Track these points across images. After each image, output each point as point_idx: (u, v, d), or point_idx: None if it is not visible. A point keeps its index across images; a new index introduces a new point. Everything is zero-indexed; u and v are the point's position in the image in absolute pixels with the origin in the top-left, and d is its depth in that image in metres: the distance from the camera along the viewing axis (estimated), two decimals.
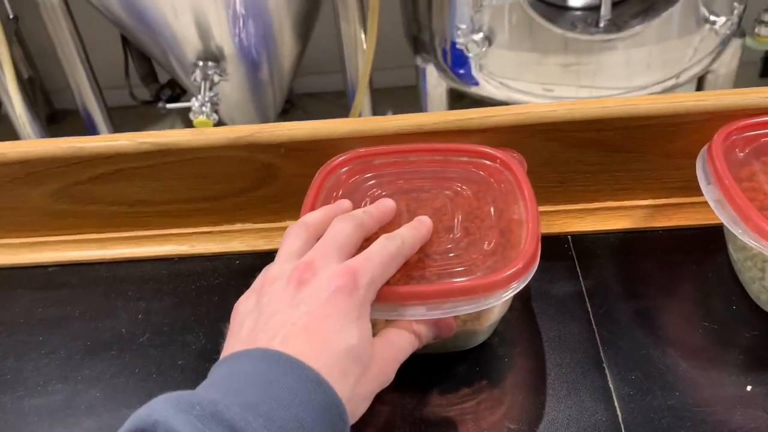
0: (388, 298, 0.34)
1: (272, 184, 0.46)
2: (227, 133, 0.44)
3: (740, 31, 1.11)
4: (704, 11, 1.00)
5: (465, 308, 0.34)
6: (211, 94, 1.12)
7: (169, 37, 1.10)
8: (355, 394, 0.30)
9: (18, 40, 1.44)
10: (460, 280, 0.35)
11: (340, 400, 0.29)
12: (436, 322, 0.35)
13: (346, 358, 0.30)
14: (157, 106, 1.30)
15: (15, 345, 0.43)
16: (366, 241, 0.35)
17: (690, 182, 0.41)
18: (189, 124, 1.15)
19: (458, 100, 1.22)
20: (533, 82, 1.06)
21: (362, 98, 1.20)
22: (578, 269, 0.44)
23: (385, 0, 1.08)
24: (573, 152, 0.45)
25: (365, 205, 0.39)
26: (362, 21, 1.15)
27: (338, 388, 0.29)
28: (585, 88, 1.05)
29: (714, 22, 1.01)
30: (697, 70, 1.08)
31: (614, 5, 0.98)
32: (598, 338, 0.40)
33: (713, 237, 0.44)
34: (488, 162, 0.42)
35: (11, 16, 1.24)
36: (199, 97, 1.11)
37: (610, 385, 0.37)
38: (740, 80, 1.17)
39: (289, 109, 1.52)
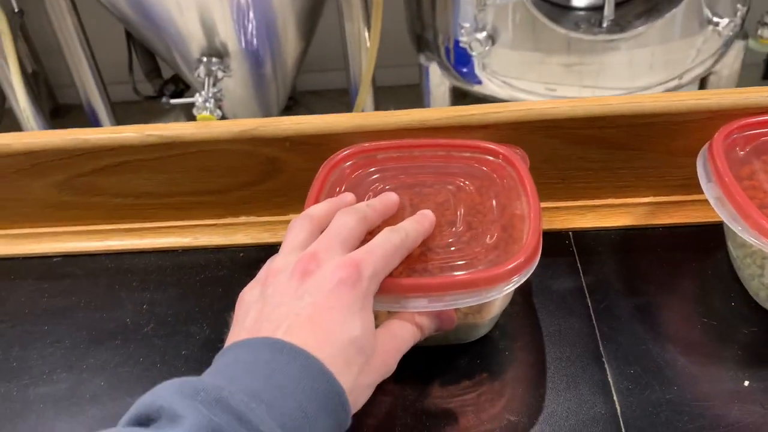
0: (390, 290, 0.34)
1: (276, 177, 0.47)
2: (232, 126, 0.45)
3: (743, 32, 1.11)
4: (707, 12, 1.01)
5: (467, 301, 0.34)
6: (215, 90, 1.12)
7: (173, 33, 1.10)
8: (358, 384, 0.31)
9: (23, 35, 1.45)
10: (462, 273, 0.35)
11: (343, 390, 0.29)
12: (438, 315, 0.35)
13: (349, 349, 0.30)
14: (160, 101, 1.30)
15: (20, 334, 0.44)
16: (369, 235, 0.36)
17: (691, 180, 0.42)
18: (192, 119, 1.15)
19: (461, 98, 1.23)
20: (536, 81, 1.06)
21: (365, 96, 1.20)
22: (579, 265, 0.44)
23: None
24: (575, 149, 0.45)
25: (368, 199, 0.39)
26: (366, 19, 1.16)
27: (341, 377, 0.30)
28: (588, 88, 1.05)
29: (717, 24, 1.01)
30: (699, 71, 1.09)
31: (617, 5, 0.98)
32: (597, 333, 0.40)
33: (713, 235, 0.45)
34: (491, 158, 0.42)
35: (16, 10, 1.24)
36: (203, 92, 1.11)
37: (609, 379, 0.38)
38: (743, 82, 1.17)
39: (292, 106, 1.52)
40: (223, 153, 0.46)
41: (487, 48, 1.03)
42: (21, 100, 1.17)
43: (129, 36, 1.25)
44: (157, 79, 1.33)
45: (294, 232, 0.36)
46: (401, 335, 0.34)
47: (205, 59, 1.13)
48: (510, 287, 0.35)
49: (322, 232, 0.35)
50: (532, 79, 1.06)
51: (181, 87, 1.32)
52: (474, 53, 1.04)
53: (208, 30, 1.09)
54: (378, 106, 1.28)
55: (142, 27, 1.13)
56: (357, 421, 0.31)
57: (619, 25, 0.99)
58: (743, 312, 0.41)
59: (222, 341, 0.32)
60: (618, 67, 1.03)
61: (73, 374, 0.41)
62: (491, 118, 0.43)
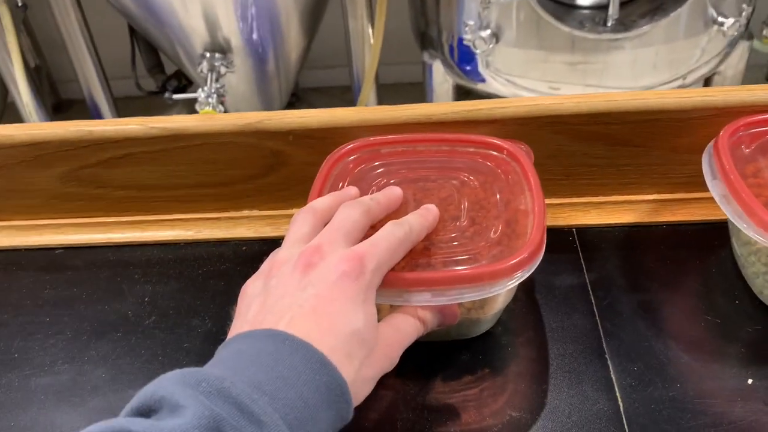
0: (394, 283, 0.34)
1: (280, 171, 0.47)
2: (236, 119, 0.44)
3: (748, 33, 1.11)
4: (712, 12, 1.00)
5: (470, 295, 0.34)
6: (218, 85, 1.12)
7: (176, 28, 1.10)
8: (360, 377, 0.31)
9: (26, 29, 1.45)
10: (465, 268, 0.35)
11: (345, 382, 0.29)
12: (441, 309, 0.35)
13: (351, 341, 0.30)
14: (163, 97, 1.30)
15: (22, 325, 0.43)
16: (372, 229, 0.36)
17: (695, 177, 0.41)
18: None
19: (464, 96, 1.23)
20: (539, 79, 1.06)
21: (368, 93, 1.20)
22: (582, 262, 0.44)
23: None
24: (579, 145, 0.45)
25: (372, 194, 0.39)
26: (370, 15, 1.15)
27: (343, 370, 0.29)
28: (591, 87, 1.05)
29: (722, 24, 1.01)
30: (704, 71, 1.08)
31: (622, 4, 0.98)
32: (600, 329, 0.40)
33: (717, 232, 0.45)
34: (495, 153, 0.42)
35: (20, 4, 1.24)
36: (206, 88, 1.11)
37: (612, 376, 0.38)
38: (747, 83, 1.16)
39: (295, 103, 1.52)
40: (227, 146, 0.45)
41: (490, 46, 1.02)
42: (24, 95, 1.17)
43: (132, 31, 1.25)
44: (159, 74, 1.33)
45: (297, 224, 0.35)
46: (404, 329, 0.34)
47: (208, 55, 1.13)
48: (513, 282, 0.34)
49: (325, 225, 0.35)
50: (536, 78, 1.06)
51: (184, 82, 1.32)
52: (478, 51, 1.04)
53: (212, 25, 1.09)
54: (381, 103, 1.28)
55: (145, 22, 1.13)
56: (358, 414, 0.31)
57: (624, 24, 0.99)
58: (747, 310, 0.41)
59: (224, 334, 0.32)
60: (622, 66, 1.03)
61: (74, 365, 0.41)
62: (496, 114, 0.43)
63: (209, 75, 1.12)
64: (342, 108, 0.44)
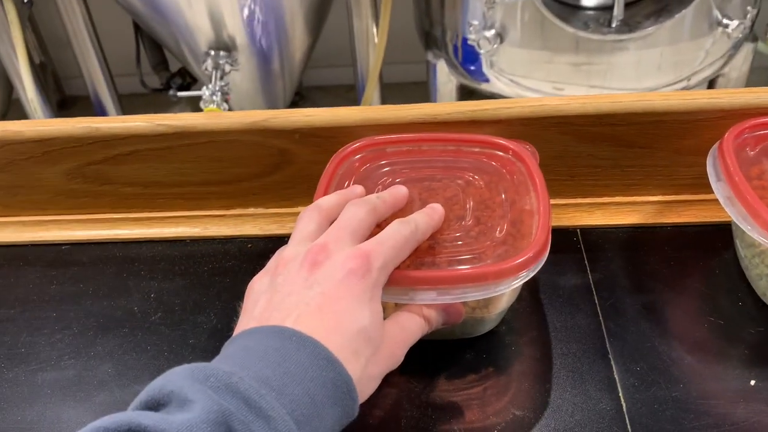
0: (399, 282, 0.34)
1: (286, 169, 0.47)
2: (242, 117, 0.45)
3: (752, 35, 1.11)
4: (717, 14, 1.00)
5: (475, 294, 0.34)
6: (222, 83, 1.12)
7: (181, 26, 1.10)
8: (365, 375, 0.31)
9: (31, 25, 1.45)
10: (470, 267, 0.35)
11: (351, 379, 0.29)
12: (446, 308, 0.36)
13: (357, 339, 0.31)
14: (167, 94, 1.30)
15: (28, 320, 0.44)
16: (377, 228, 0.36)
17: (700, 179, 0.42)
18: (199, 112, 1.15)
19: (468, 96, 1.23)
20: (543, 80, 1.06)
21: (372, 92, 1.20)
22: (586, 262, 0.44)
23: None
24: (585, 146, 0.45)
25: (378, 192, 0.39)
26: (374, 15, 1.16)
27: (349, 367, 0.30)
28: (595, 88, 1.05)
29: (727, 26, 1.01)
30: (708, 73, 1.08)
31: (627, 6, 0.98)
32: (604, 330, 0.40)
33: (721, 234, 0.45)
34: (500, 153, 0.42)
35: (25, 1, 1.24)
36: (210, 86, 1.12)
37: (615, 376, 0.38)
38: (751, 85, 1.17)
39: (298, 102, 1.52)
40: (233, 144, 0.46)
41: (495, 46, 1.03)
42: (29, 91, 1.17)
43: (137, 28, 1.25)
44: (164, 71, 1.33)
45: (303, 222, 0.36)
46: (409, 327, 0.34)
47: (212, 52, 1.13)
48: (518, 282, 0.35)
49: (331, 223, 0.35)
50: (540, 78, 1.06)
51: (188, 80, 1.33)
52: (482, 51, 1.04)
53: (217, 23, 1.09)
54: (385, 102, 1.28)
55: (150, 19, 1.13)
56: (363, 412, 0.31)
57: (628, 25, 0.99)
58: (750, 312, 0.41)
59: (229, 331, 0.32)
60: (626, 68, 1.03)
61: (80, 360, 0.41)
62: (502, 114, 0.43)
63: (214, 73, 1.13)
64: (348, 107, 0.44)
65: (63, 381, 0.40)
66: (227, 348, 0.30)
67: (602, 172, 0.47)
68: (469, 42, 1.05)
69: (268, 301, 0.32)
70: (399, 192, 0.38)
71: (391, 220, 0.35)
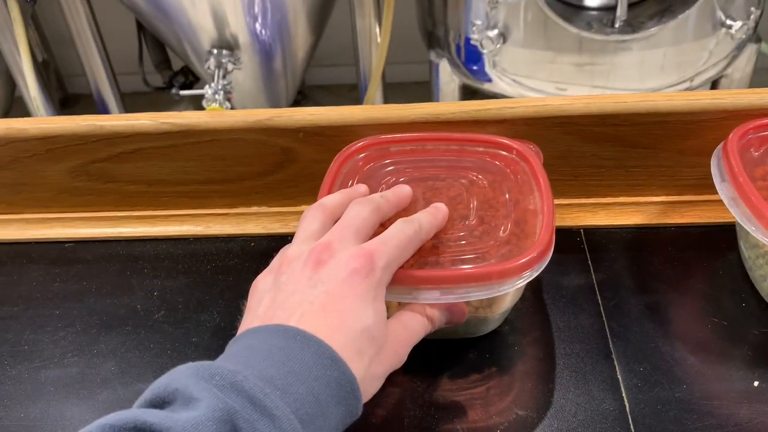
0: (403, 281, 0.34)
1: (289, 168, 0.47)
2: (246, 116, 0.45)
3: (756, 36, 1.11)
4: (720, 15, 1.00)
5: (478, 294, 0.34)
6: (225, 82, 1.12)
7: (184, 24, 1.10)
8: (369, 374, 0.31)
9: (34, 23, 1.45)
10: (474, 267, 0.35)
11: (355, 378, 0.29)
12: (449, 307, 0.36)
13: (361, 338, 0.31)
14: (170, 92, 1.30)
15: (32, 318, 0.44)
16: (381, 227, 0.36)
17: (704, 180, 0.42)
18: None
19: (470, 96, 1.23)
20: (546, 80, 1.06)
21: (374, 92, 1.20)
22: (590, 262, 0.44)
23: None
24: (589, 146, 0.45)
25: (381, 191, 0.39)
26: (377, 14, 1.16)
27: (353, 366, 0.30)
28: (598, 88, 1.05)
29: (730, 26, 1.00)
30: (711, 73, 1.08)
31: (630, 6, 0.98)
32: (607, 330, 0.40)
33: (725, 235, 0.45)
34: (504, 153, 0.42)
35: None
36: (212, 84, 1.12)
37: (619, 376, 0.38)
38: (754, 86, 1.16)
39: (301, 101, 1.52)
40: (237, 142, 0.46)
41: (498, 46, 1.02)
42: (31, 89, 1.17)
43: (140, 27, 1.25)
44: (166, 70, 1.33)
45: (307, 221, 0.36)
46: (412, 327, 0.34)
47: (215, 51, 1.13)
48: (522, 282, 0.35)
49: (335, 222, 0.35)
50: (543, 78, 1.06)
51: (191, 79, 1.33)
52: (485, 51, 1.04)
53: (219, 22, 1.09)
54: (387, 102, 1.28)
55: (153, 17, 1.13)
56: (366, 411, 0.31)
57: (632, 26, 0.99)
58: (754, 313, 0.41)
59: (232, 329, 0.32)
60: (629, 68, 1.03)
61: (83, 358, 0.41)
62: (506, 114, 0.43)
63: (216, 71, 1.13)
64: (351, 106, 0.44)
65: (66, 378, 0.40)
66: (231, 347, 0.30)
67: (606, 172, 0.47)
68: (472, 42, 1.05)
69: (272, 299, 0.32)
70: (403, 191, 0.38)
71: (395, 220, 0.35)
